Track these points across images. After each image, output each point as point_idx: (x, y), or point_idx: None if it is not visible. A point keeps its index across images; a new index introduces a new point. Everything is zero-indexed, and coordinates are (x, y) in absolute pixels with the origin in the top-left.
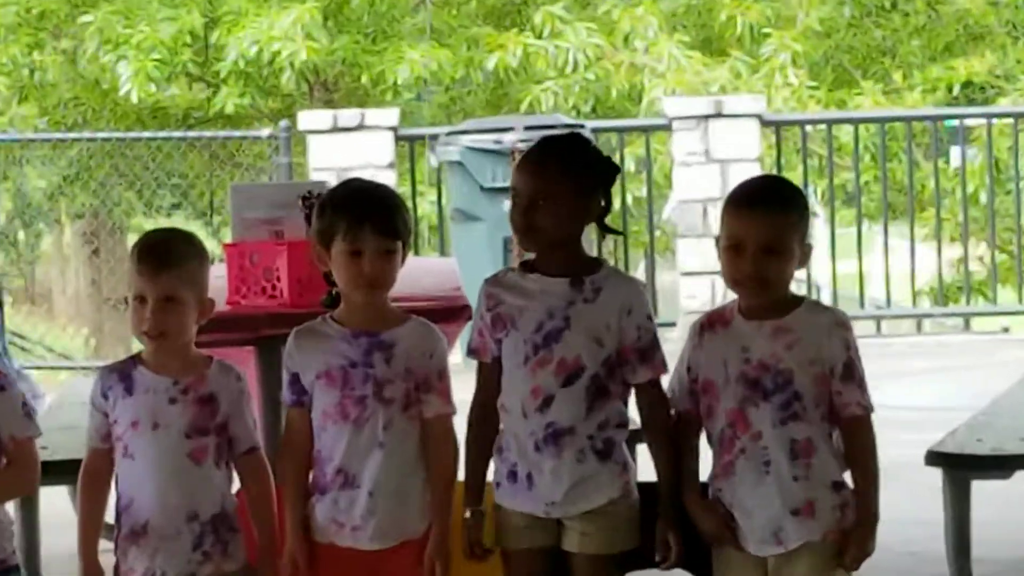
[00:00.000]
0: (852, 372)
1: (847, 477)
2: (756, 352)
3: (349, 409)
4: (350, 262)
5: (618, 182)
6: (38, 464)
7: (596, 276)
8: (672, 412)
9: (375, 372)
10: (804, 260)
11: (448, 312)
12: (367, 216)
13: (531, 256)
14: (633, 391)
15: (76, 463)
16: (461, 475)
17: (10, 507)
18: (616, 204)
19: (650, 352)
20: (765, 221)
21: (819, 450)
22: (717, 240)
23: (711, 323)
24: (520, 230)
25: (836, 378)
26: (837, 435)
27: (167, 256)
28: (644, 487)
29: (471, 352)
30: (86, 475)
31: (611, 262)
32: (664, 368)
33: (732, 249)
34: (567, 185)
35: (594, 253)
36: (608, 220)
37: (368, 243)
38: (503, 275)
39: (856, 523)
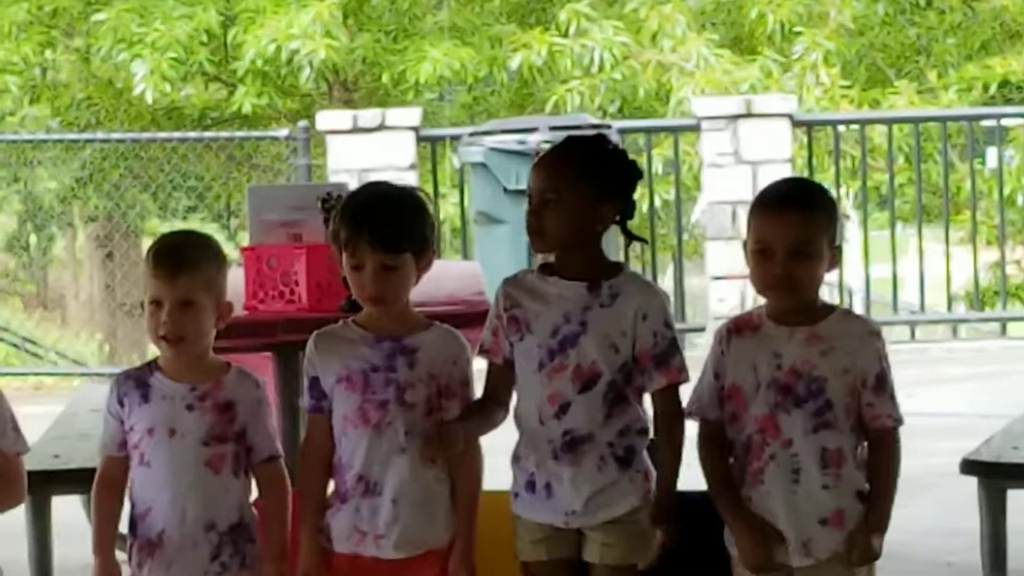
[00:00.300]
0: (884, 383)
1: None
2: (789, 358)
3: (370, 414)
4: (353, 275)
5: (645, 184)
6: (25, 479)
7: (615, 281)
8: (699, 420)
9: (397, 376)
10: (833, 263)
11: (470, 317)
12: (364, 230)
13: (550, 259)
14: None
15: (90, 472)
16: (487, 485)
17: (21, 517)
18: (643, 207)
19: (666, 358)
20: (793, 223)
21: (847, 460)
22: (745, 244)
23: (738, 328)
24: (530, 230)
25: (868, 389)
26: (862, 447)
27: (183, 259)
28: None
29: (483, 351)
30: (101, 483)
31: (638, 266)
32: (681, 375)
33: (760, 253)
34: (579, 186)
35: (620, 257)
36: (634, 224)
37: (366, 258)
38: (522, 276)
39: (867, 525)
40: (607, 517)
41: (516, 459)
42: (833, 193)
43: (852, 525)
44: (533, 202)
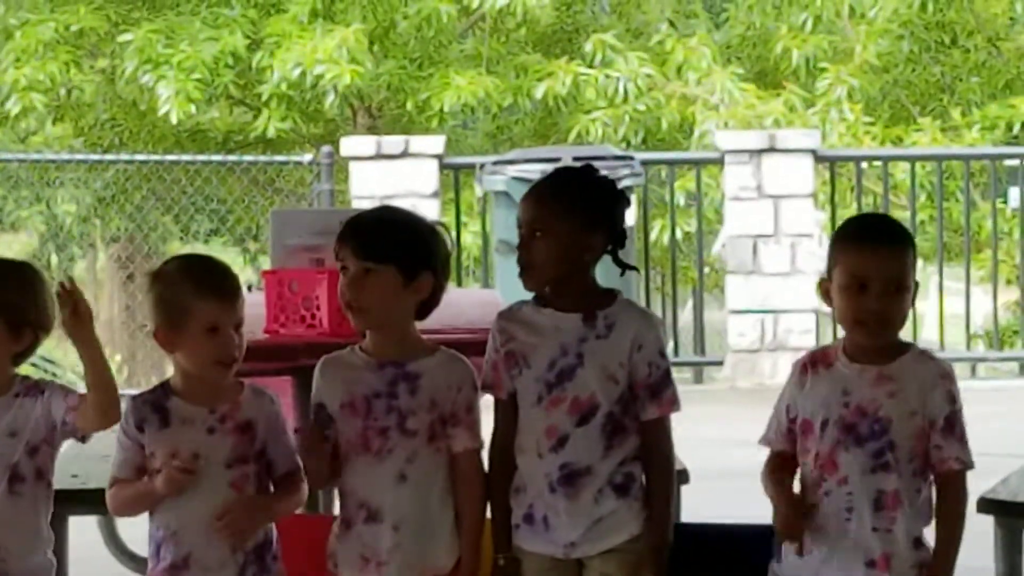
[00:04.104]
0: (954, 426)
1: (929, 534)
2: (856, 396)
3: (371, 440)
4: (340, 280)
5: (667, 216)
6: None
7: (610, 310)
8: (768, 451)
9: (399, 403)
10: (912, 300)
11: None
12: (349, 234)
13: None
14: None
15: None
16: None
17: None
18: (664, 239)
19: (659, 389)
20: (891, 257)
21: (904, 504)
22: (822, 281)
23: (814, 363)
24: (520, 265)
25: (937, 431)
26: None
27: (236, 282)
28: (676, 528)
29: (485, 387)
30: (116, 499)
31: (659, 298)
32: (672, 406)
33: (855, 287)
34: (567, 217)
35: (641, 289)
36: (655, 257)
37: (349, 261)
38: (517, 308)
39: (932, 570)
40: (606, 546)
41: (515, 491)
42: None
43: (903, 572)
44: (522, 234)
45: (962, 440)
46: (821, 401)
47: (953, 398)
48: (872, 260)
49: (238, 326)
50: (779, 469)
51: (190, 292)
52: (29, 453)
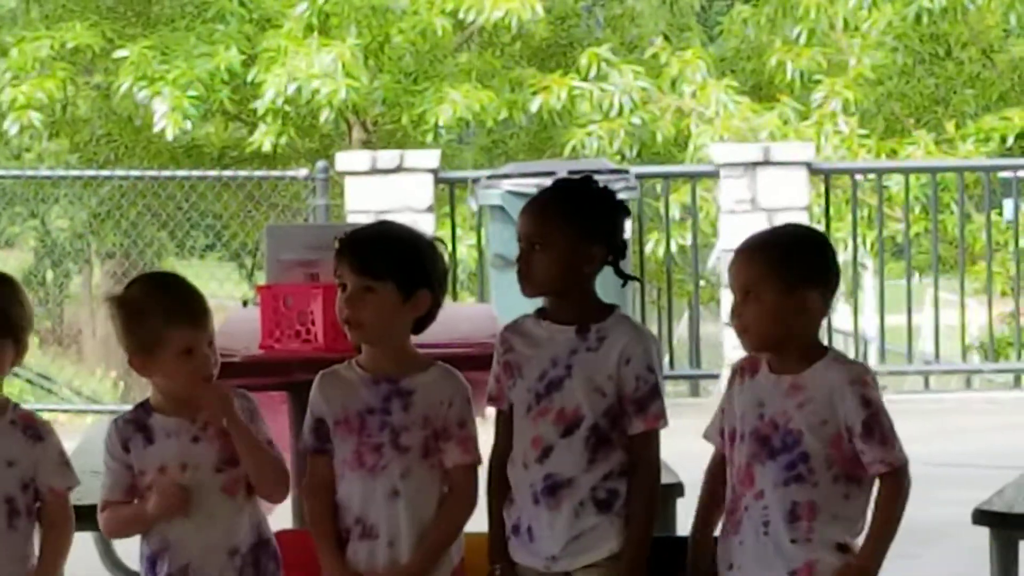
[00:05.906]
0: (872, 430)
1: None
2: (770, 408)
3: (365, 457)
4: (338, 296)
5: (662, 229)
6: (72, 518)
7: (603, 324)
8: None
9: (392, 419)
10: (799, 307)
11: (483, 359)
12: (347, 250)
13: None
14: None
15: None
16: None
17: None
18: (659, 252)
19: (646, 403)
20: (736, 268)
21: (822, 512)
22: None
23: (742, 370)
24: (520, 276)
25: (857, 437)
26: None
27: (203, 303)
28: (660, 541)
29: (490, 400)
30: (110, 522)
31: (655, 312)
32: (659, 422)
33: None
34: (565, 229)
35: (636, 303)
36: (650, 270)
37: (347, 278)
38: (521, 321)
39: (855, 559)
40: (586, 562)
41: (507, 503)
42: (847, 242)
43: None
44: (522, 247)
45: (884, 442)
46: (741, 413)
47: (868, 402)
48: (731, 273)
49: (211, 343)
50: (712, 468)
51: (160, 320)
52: (22, 488)
